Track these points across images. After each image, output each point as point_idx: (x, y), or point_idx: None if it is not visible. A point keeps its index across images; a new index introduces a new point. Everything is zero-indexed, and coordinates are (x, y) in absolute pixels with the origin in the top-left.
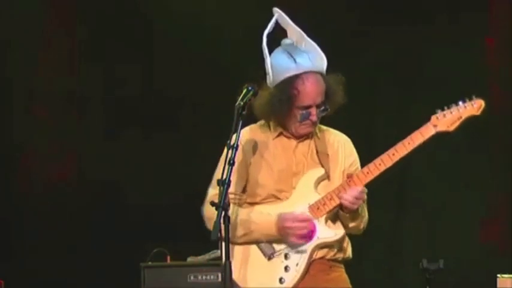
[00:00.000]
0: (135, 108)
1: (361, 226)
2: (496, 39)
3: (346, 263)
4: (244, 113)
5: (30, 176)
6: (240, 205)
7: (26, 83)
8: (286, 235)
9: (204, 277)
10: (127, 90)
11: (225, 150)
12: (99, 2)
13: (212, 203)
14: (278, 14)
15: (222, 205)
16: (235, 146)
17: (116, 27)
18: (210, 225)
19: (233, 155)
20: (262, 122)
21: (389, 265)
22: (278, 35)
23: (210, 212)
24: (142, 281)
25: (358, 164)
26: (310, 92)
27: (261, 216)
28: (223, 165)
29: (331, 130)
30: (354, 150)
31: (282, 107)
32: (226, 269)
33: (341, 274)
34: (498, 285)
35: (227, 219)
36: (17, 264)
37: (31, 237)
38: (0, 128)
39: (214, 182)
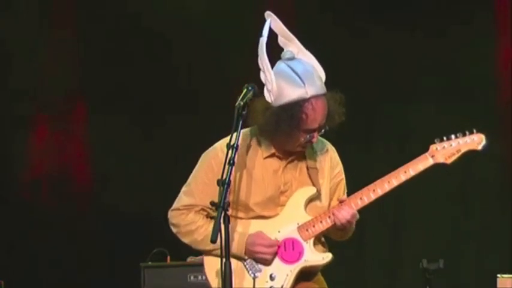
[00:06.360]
0: (137, 109)
1: (348, 237)
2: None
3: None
4: (244, 112)
5: (30, 177)
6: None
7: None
8: (254, 258)
9: (204, 277)
10: (128, 90)
11: (202, 157)
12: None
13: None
14: (271, 18)
15: (222, 205)
16: (235, 146)
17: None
18: (176, 230)
19: (233, 155)
20: (255, 132)
21: (389, 265)
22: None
23: (178, 219)
24: (142, 281)
25: (343, 175)
26: (319, 116)
27: (234, 235)
28: (201, 172)
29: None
30: (338, 158)
31: (288, 130)
32: (226, 269)
33: (320, 276)
34: (498, 285)
35: (227, 219)
36: (17, 264)
37: (31, 238)
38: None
39: (188, 189)
